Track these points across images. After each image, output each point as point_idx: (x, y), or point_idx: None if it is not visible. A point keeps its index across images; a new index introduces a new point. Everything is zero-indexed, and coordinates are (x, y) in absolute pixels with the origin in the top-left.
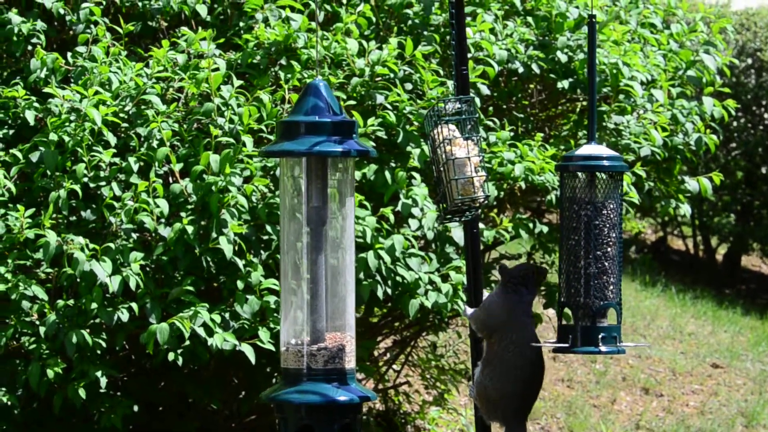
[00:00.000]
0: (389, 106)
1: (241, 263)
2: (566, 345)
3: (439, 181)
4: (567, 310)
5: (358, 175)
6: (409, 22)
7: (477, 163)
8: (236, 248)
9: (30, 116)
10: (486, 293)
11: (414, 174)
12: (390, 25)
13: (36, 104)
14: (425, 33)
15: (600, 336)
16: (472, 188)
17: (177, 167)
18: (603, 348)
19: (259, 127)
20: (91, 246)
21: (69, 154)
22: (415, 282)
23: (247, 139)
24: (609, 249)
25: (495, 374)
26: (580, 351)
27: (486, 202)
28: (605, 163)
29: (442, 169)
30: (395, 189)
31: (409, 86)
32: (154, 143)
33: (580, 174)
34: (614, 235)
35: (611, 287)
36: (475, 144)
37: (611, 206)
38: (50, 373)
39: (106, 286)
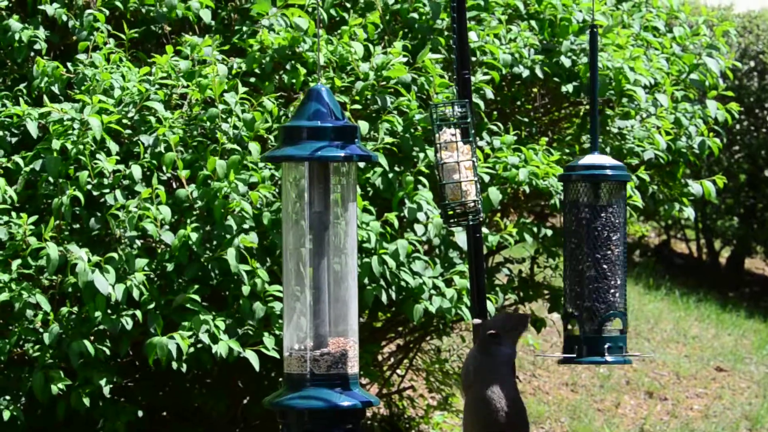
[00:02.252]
0: (394, 111)
1: (245, 275)
2: (572, 356)
3: (439, 183)
4: (572, 319)
5: (362, 179)
6: (415, 25)
7: (469, 167)
8: (248, 259)
9: (32, 128)
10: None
11: (421, 179)
12: (395, 29)
13: (38, 115)
14: (430, 37)
15: (606, 346)
16: (460, 193)
17: (183, 173)
18: (609, 358)
19: (267, 136)
20: (94, 259)
21: (72, 161)
22: (419, 287)
23: (253, 146)
24: (609, 252)
25: None
26: (585, 361)
27: (476, 206)
28: (608, 172)
29: (436, 172)
30: (402, 194)
31: (413, 89)
32: (161, 148)
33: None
34: (616, 238)
35: (613, 291)
36: (470, 149)
37: (612, 209)
38: (54, 388)
39: (110, 295)
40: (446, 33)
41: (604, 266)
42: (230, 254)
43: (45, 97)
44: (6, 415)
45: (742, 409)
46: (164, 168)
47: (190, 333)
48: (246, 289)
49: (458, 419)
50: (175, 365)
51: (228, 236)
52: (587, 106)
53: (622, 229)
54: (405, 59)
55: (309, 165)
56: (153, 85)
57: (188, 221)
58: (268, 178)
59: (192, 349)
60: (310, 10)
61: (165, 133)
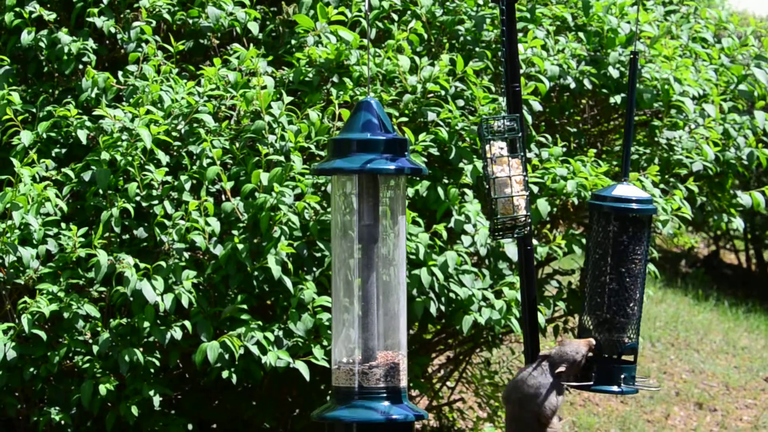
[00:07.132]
0: (441, 123)
1: (289, 282)
2: (588, 383)
3: (488, 197)
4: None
5: (410, 191)
6: (461, 38)
7: (519, 182)
8: (289, 266)
9: (82, 135)
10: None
11: (466, 190)
12: (441, 41)
13: (88, 123)
14: (477, 49)
15: (622, 376)
16: (512, 207)
17: (228, 185)
18: (624, 388)
19: (308, 145)
20: (143, 265)
21: (121, 173)
22: (468, 298)
23: (296, 158)
24: (633, 266)
25: None
26: (598, 390)
27: (527, 220)
28: (633, 206)
29: (487, 186)
30: (447, 206)
31: (460, 102)
32: (205, 162)
33: None
34: (640, 251)
35: (632, 303)
36: (520, 163)
37: (639, 223)
38: (102, 389)
39: (158, 305)
40: (494, 46)
41: (627, 279)
42: (271, 261)
43: (102, 101)
44: (57, 417)
45: None
46: (207, 182)
47: (240, 344)
48: (294, 301)
49: None
50: (225, 374)
51: (275, 249)
52: (637, 118)
53: (646, 243)
54: (448, 69)
55: (358, 177)
56: (202, 97)
57: (235, 233)
58: (311, 185)
59: (240, 362)
60: (353, 23)
61: (209, 147)
